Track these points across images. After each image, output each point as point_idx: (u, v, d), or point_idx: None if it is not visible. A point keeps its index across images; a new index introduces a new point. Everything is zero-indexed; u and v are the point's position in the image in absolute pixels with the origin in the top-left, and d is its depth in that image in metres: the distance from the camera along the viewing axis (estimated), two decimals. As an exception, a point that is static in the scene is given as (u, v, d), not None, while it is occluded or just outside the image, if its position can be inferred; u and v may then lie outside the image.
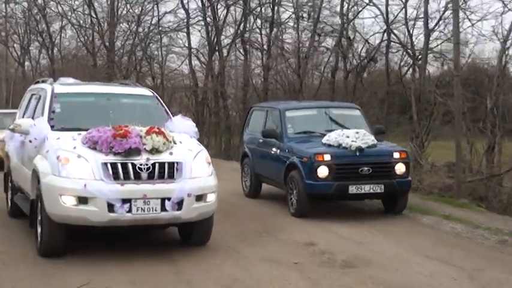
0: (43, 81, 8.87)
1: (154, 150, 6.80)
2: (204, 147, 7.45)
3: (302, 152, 9.22)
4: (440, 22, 17.99)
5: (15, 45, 34.46)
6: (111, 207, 6.47)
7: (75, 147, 6.75)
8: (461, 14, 14.86)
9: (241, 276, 6.25)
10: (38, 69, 34.44)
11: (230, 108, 25.22)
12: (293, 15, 21.77)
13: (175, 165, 6.83)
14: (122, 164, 6.63)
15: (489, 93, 13.87)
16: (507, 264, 6.88)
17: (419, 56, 18.51)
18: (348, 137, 9.13)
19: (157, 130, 6.96)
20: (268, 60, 22.02)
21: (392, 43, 20.43)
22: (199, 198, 6.89)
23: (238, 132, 18.01)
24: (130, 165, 6.64)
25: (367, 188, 8.91)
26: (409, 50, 18.93)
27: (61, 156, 6.67)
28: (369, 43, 20.97)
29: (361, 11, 20.62)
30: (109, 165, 6.59)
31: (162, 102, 8.47)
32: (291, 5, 21.75)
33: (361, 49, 21.16)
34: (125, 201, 6.49)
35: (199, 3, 23.95)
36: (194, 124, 8.11)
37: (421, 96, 16.66)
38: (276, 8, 21.87)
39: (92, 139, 6.77)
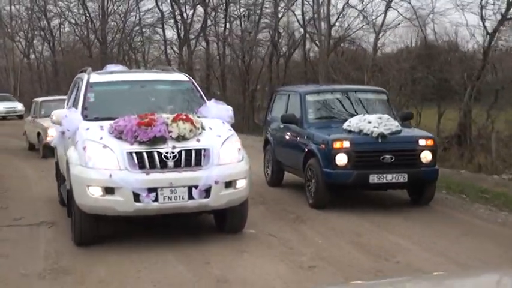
0: (83, 71, 8.84)
1: (181, 138, 6.73)
2: (234, 132, 7.28)
3: (320, 138, 8.73)
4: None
5: (20, 39, 40.33)
6: (137, 196, 6.46)
7: (101, 138, 6.74)
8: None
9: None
10: (42, 60, 40.96)
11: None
12: (242, 14, 27.77)
13: (203, 152, 6.75)
14: (147, 152, 6.60)
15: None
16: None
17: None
18: (369, 122, 8.58)
19: (184, 117, 6.88)
20: (224, 49, 28.12)
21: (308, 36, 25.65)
22: (229, 184, 6.80)
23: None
24: (156, 154, 6.60)
25: (389, 178, 8.35)
26: (316, 41, 24.01)
27: (87, 146, 6.70)
28: (294, 35, 26.73)
29: (285, 12, 25.97)
30: (134, 155, 6.57)
31: (197, 87, 8.40)
32: (241, 5, 27.89)
33: (288, 41, 26.92)
34: (150, 190, 6.47)
35: (170, 6, 30.02)
36: (230, 108, 7.99)
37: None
38: (228, 7, 27.72)
39: (117, 128, 6.75)
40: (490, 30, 15.20)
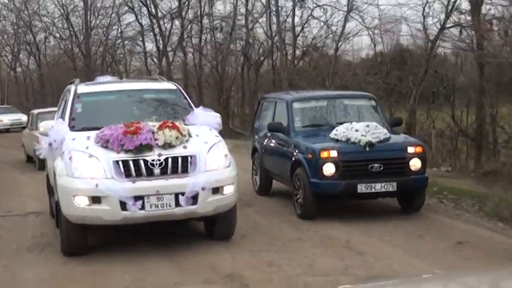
0: (72, 82, 8.86)
1: (167, 145, 6.76)
2: (221, 139, 7.33)
3: (307, 147, 8.58)
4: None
5: (6, 54, 41.49)
6: (123, 205, 6.49)
7: (87, 147, 6.77)
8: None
9: None
10: (28, 73, 42.38)
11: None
12: (215, 26, 29.49)
13: (189, 158, 6.78)
14: (133, 161, 6.64)
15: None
16: None
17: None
18: (357, 130, 8.44)
19: (170, 125, 6.91)
20: (200, 60, 29.95)
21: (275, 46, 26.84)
22: (216, 191, 6.84)
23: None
24: (142, 162, 6.65)
25: (378, 187, 8.22)
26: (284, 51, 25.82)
27: (73, 156, 6.72)
28: (263, 46, 28.27)
29: (254, 24, 27.76)
30: (120, 163, 6.60)
31: (185, 95, 8.48)
32: (214, 18, 29.49)
33: (258, 51, 28.46)
34: (137, 198, 6.50)
35: (149, 20, 31.50)
36: (218, 115, 8.01)
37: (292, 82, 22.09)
38: (202, 20, 29.51)
39: (103, 138, 6.77)
40: (431, 38, 17.04)
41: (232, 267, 6.45)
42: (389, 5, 21.08)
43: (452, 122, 15.66)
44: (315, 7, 23.64)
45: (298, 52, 24.97)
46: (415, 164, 8.38)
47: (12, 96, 40.64)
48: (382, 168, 8.23)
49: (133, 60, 36.80)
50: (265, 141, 10.18)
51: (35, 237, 7.97)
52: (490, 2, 14.34)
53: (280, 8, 24.82)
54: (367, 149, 8.26)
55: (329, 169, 8.19)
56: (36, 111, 17.74)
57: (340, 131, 8.55)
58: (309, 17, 24.43)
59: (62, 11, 35.73)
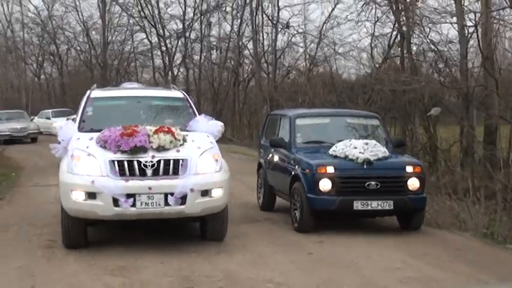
0: (91, 88, 9.43)
1: (161, 148, 7.18)
2: (215, 145, 7.74)
3: (305, 163, 8.68)
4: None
5: (32, 62, 45.85)
6: (116, 201, 6.92)
7: (87, 147, 7.29)
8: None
9: None
10: (51, 81, 47.05)
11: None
12: (213, 46, 34.10)
13: (181, 161, 7.18)
14: (128, 161, 7.08)
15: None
16: None
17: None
18: (355, 147, 8.51)
19: (166, 129, 7.36)
20: (199, 75, 34.86)
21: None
22: (205, 193, 7.21)
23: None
24: (136, 162, 7.08)
25: (374, 205, 8.26)
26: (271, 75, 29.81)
27: (74, 154, 7.26)
28: (252, 64, 31.46)
29: (243, 48, 32.29)
30: (116, 163, 7.06)
31: (191, 103, 8.95)
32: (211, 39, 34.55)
33: (247, 69, 33.42)
34: (129, 196, 6.92)
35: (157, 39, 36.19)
36: (220, 124, 8.52)
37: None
38: (203, 40, 34.24)
39: (103, 138, 7.26)
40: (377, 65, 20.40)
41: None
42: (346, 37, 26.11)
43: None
44: (294, 34, 29.09)
45: (282, 71, 29.86)
46: (414, 183, 8.40)
47: (36, 101, 43.57)
48: (379, 186, 8.27)
49: (144, 72, 41.62)
50: (269, 156, 10.30)
51: (56, 197, 9.22)
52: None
53: (266, 34, 30.07)
54: (365, 166, 8.32)
55: (325, 185, 8.26)
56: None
57: (339, 148, 8.63)
58: (289, 43, 29.49)
59: (83, 27, 40.19)
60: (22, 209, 10.57)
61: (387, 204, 8.25)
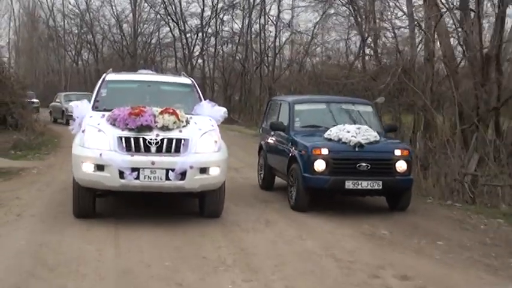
0: (107, 72, 9.65)
1: (165, 128, 7.51)
2: (216, 128, 8.03)
3: (301, 144, 8.81)
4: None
5: (71, 49, 50.18)
6: (121, 174, 7.25)
7: (99, 123, 7.61)
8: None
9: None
10: (87, 66, 50.58)
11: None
12: (225, 40, 39.24)
13: (182, 141, 7.48)
14: (134, 138, 7.41)
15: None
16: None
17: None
18: (348, 132, 8.71)
19: (171, 111, 7.66)
20: (214, 66, 40.09)
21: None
22: (203, 171, 7.51)
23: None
24: (141, 140, 7.42)
25: (364, 184, 8.43)
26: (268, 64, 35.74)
27: (86, 130, 7.59)
28: (252, 60, 35.86)
29: (250, 44, 35.90)
30: (123, 139, 7.38)
31: (198, 89, 9.24)
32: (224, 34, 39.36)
33: (253, 62, 35.97)
34: (133, 169, 7.27)
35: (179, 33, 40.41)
36: (223, 109, 8.77)
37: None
38: (217, 35, 39.37)
39: (113, 117, 7.60)
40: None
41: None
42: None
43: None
44: (292, 33, 33.54)
45: (284, 65, 34.74)
46: (401, 165, 8.55)
47: (74, 84, 46.75)
48: (369, 168, 8.41)
49: (168, 62, 45.53)
50: (269, 139, 10.58)
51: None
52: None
53: (269, 32, 35.00)
54: (356, 149, 8.50)
55: (320, 165, 8.43)
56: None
57: (333, 132, 8.77)
58: (287, 40, 33.99)
59: (116, 20, 43.89)
60: (61, 159, 13.94)
61: (376, 184, 8.41)
